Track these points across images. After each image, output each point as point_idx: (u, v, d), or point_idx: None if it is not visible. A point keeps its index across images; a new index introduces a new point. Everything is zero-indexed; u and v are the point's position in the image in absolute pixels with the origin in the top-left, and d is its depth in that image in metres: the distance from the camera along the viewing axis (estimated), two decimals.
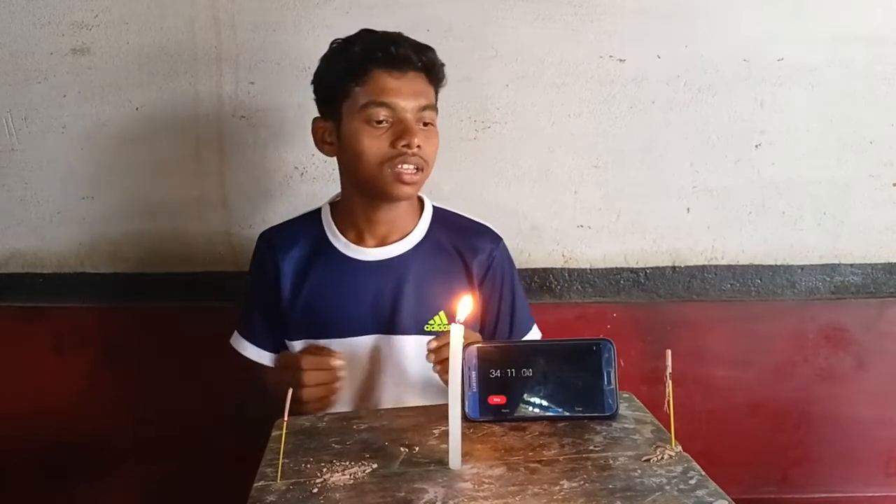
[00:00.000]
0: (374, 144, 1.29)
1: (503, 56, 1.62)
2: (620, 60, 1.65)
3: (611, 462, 0.90)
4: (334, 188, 1.66)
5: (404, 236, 1.39)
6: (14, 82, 1.63)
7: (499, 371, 1.03)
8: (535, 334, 1.46)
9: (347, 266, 1.37)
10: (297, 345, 1.39)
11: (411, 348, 1.34)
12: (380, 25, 1.57)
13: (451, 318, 0.91)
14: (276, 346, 1.42)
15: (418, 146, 1.28)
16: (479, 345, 1.04)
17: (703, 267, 1.73)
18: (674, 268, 1.73)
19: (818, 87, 1.67)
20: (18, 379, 1.70)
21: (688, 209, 1.71)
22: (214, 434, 1.66)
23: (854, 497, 1.78)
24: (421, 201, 1.44)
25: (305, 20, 1.62)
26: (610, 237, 1.72)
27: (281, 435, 0.92)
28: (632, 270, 1.73)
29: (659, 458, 0.90)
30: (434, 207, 1.44)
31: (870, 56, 1.66)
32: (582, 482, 0.86)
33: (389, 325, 1.36)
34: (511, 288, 1.44)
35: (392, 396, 1.35)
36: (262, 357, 1.42)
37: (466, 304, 0.94)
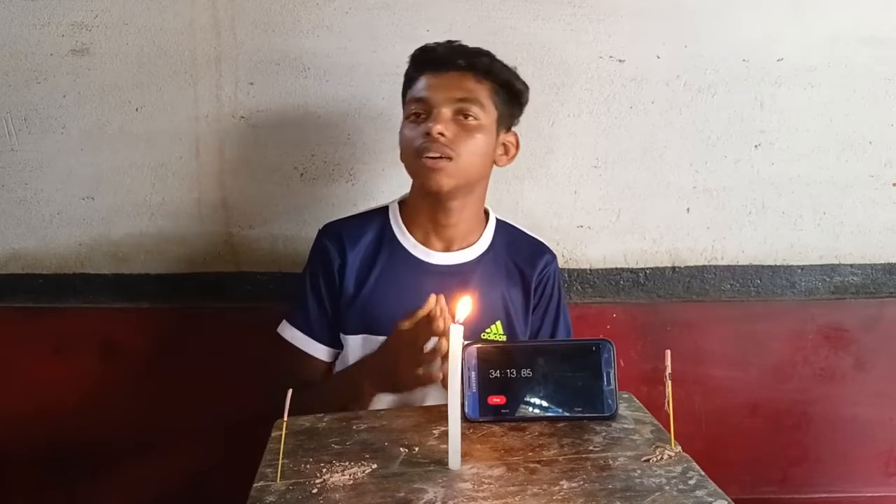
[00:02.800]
0: (408, 135, 1.35)
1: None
2: (620, 61, 1.65)
3: (610, 462, 0.90)
4: (334, 188, 1.67)
5: (470, 245, 1.43)
6: (14, 83, 1.63)
7: (498, 371, 1.03)
8: None
9: (413, 266, 1.40)
10: (353, 339, 1.40)
11: None
12: (379, 26, 1.58)
13: (453, 319, 0.91)
14: (330, 338, 1.42)
15: (440, 133, 1.30)
16: (479, 345, 1.04)
17: (703, 267, 1.73)
18: (673, 268, 1.73)
19: (818, 87, 1.67)
20: (18, 379, 1.69)
21: (687, 209, 1.71)
22: (214, 434, 1.66)
23: (854, 497, 1.78)
24: (487, 214, 1.48)
25: (305, 20, 1.62)
26: (610, 237, 1.72)
27: (281, 435, 0.92)
28: (631, 271, 1.73)
29: (658, 458, 0.91)
30: (497, 220, 1.48)
31: (869, 56, 1.66)
32: (581, 482, 0.86)
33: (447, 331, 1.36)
34: (557, 303, 1.49)
35: (439, 401, 1.35)
36: (315, 348, 1.42)
37: (466, 305, 0.94)
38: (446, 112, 1.32)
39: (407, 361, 1.21)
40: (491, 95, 1.37)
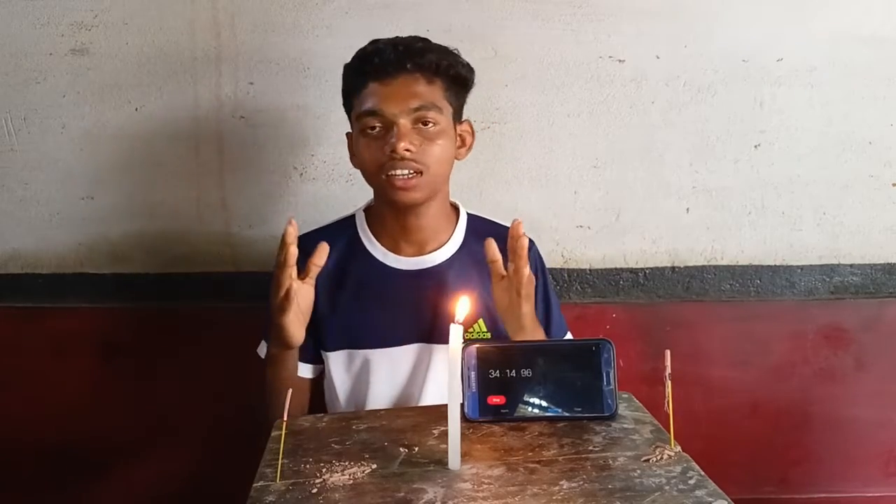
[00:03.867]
0: (369, 153, 1.31)
1: (503, 56, 1.62)
2: (620, 61, 1.65)
3: (610, 462, 0.90)
4: (334, 188, 1.67)
5: (441, 245, 1.39)
6: (13, 83, 1.63)
7: (498, 371, 1.03)
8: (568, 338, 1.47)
9: (386, 275, 1.37)
10: (335, 356, 1.38)
11: None
12: (379, 26, 1.57)
13: (452, 319, 0.91)
14: (313, 356, 1.40)
15: (407, 149, 1.26)
16: (479, 345, 1.04)
17: (703, 267, 1.73)
18: (673, 268, 1.73)
19: (817, 87, 1.67)
20: (18, 379, 1.69)
21: (687, 209, 1.71)
22: (214, 434, 1.66)
23: (854, 497, 1.78)
24: (456, 210, 1.44)
25: (305, 20, 1.62)
26: (609, 237, 1.72)
27: (280, 435, 0.92)
28: (631, 271, 1.73)
29: (658, 458, 0.91)
30: (468, 215, 1.45)
31: (869, 56, 1.66)
32: (581, 482, 0.86)
33: (430, 333, 1.36)
34: (544, 287, 1.44)
35: (436, 400, 1.34)
36: (301, 369, 1.39)
37: (464, 305, 0.94)
38: (405, 124, 1.27)
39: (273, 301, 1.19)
40: (444, 93, 1.32)
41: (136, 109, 1.64)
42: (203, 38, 1.62)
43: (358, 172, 1.63)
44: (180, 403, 1.68)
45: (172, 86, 1.64)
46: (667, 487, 0.84)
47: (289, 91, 1.64)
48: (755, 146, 1.69)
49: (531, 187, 1.69)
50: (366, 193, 1.50)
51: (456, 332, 0.89)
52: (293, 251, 1.16)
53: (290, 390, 0.93)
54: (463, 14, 1.61)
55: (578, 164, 1.69)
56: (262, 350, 1.42)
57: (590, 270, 1.72)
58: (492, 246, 1.24)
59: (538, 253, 1.47)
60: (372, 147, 1.30)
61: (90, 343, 1.69)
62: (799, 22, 1.65)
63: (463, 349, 0.96)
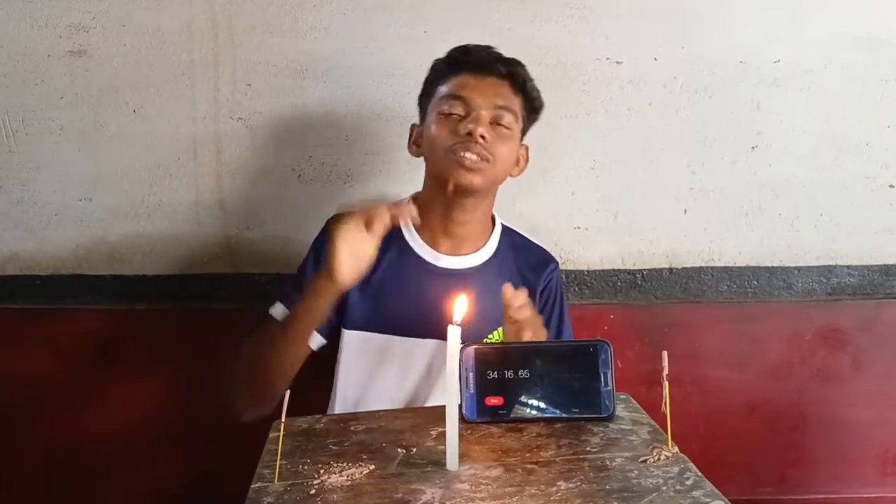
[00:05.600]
0: (443, 132, 1.34)
1: None
2: (617, 62, 1.65)
3: (608, 463, 0.91)
4: (332, 189, 1.67)
5: (476, 250, 1.44)
6: (12, 84, 1.63)
7: (496, 372, 1.03)
8: None
9: (419, 267, 1.41)
10: (352, 335, 1.40)
11: None
12: (377, 27, 1.58)
13: (449, 320, 0.91)
14: (328, 331, 1.40)
15: (482, 136, 1.31)
16: (477, 346, 1.05)
17: (700, 268, 1.73)
18: (671, 269, 1.73)
19: (814, 88, 1.67)
20: (16, 381, 1.69)
21: (685, 211, 1.72)
22: (212, 436, 1.66)
23: (851, 498, 1.78)
24: (493, 220, 1.49)
25: (303, 22, 1.62)
26: (607, 239, 1.72)
27: (278, 436, 0.93)
28: (629, 272, 1.73)
29: (655, 458, 0.91)
30: (503, 226, 1.50)
31: (865, 58, 1.67)
32: (579, 483, 0.86)
33: None
34: (560, 309, 1.50)
35: (442, 402, 1.35)
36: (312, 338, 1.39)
37: (462, 305, 0.94)
38: (486, 115, 1.33)
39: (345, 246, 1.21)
40: (521, 108, 1.39)
41: (135, 111, 1.64)
42: (201, 40, 1.62)
43: (355, 175, 1.65)
44: (179, 405, 1.68)
45: (170, 87, 1.64)
46: (664, 488, 0.84)
47: (286, 92, 1.64)
48: (752, 148, 1.70)
49: (529, 188, 1.69)
50: (364, 194, 1.51)
51: (454, 334, 0.89)
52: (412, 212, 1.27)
53: (288, 391, 0.93)
54: (461, 16, 1.61)
55: (576, 165, 1.69)
56: (277, 312, 1.40)
57: (587, 271, 1.73)
58: (507, 291, 1.24)
59: (560, 276, 1.53)
60: (448, 126, 1.34)
61: (88, 344, 1.69)
62: (795, 24, 1.65)
63: (461, 350, 0.97)
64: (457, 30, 1.59)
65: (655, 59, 1.65)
